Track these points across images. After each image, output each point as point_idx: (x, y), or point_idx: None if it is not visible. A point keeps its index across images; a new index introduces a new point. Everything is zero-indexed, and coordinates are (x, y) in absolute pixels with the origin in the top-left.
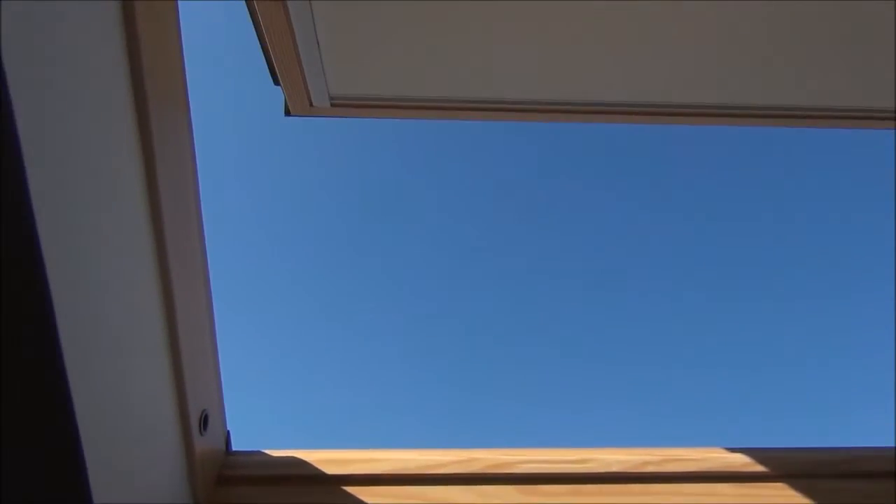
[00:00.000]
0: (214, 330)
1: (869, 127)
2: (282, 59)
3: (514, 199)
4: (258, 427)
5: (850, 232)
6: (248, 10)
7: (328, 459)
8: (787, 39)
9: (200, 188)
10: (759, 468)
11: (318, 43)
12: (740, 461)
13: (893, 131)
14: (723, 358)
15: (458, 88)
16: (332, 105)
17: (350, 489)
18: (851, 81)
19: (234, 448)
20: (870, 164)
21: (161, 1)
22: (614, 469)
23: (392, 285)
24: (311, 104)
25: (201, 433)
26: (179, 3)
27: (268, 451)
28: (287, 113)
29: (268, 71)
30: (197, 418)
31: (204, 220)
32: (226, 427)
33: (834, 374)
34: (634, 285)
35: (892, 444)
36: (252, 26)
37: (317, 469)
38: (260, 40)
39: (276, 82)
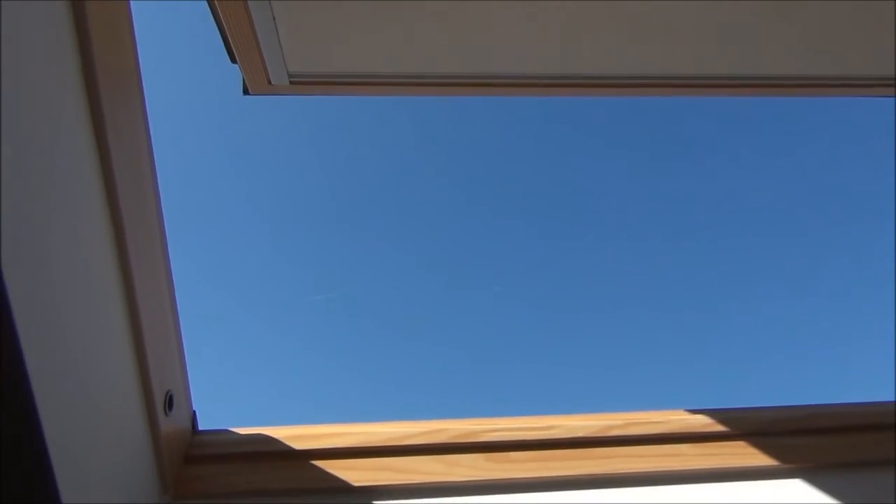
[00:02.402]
0: (177, 312)
1: (869, 95)
2: (238, 38)
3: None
4: (226, 407)
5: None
6: None
7: (295, 435)
8: (784, 8)
9: (157, 168)
10: (719, 428)
11: (274, 21)
12: (700, 422)
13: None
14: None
15: (415, 64)
16: (291, 83)
17: (318, 463)
18: (850, 49)
19: (200, 428)
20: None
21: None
22: (579, 434)
23: (351, 260)
24: (269, 82)
25: (166, 414)
26: None
27: (235, 430)
28: (245, 92)
29: (224, 50)
30: (162, 399)
31: (163, 201)
32: (192, 407)
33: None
34: (587, 244)
35: (843, 402)
36: (206, 4)
37: (284, 445)
38: (215, 20)
39: (234, 61)
